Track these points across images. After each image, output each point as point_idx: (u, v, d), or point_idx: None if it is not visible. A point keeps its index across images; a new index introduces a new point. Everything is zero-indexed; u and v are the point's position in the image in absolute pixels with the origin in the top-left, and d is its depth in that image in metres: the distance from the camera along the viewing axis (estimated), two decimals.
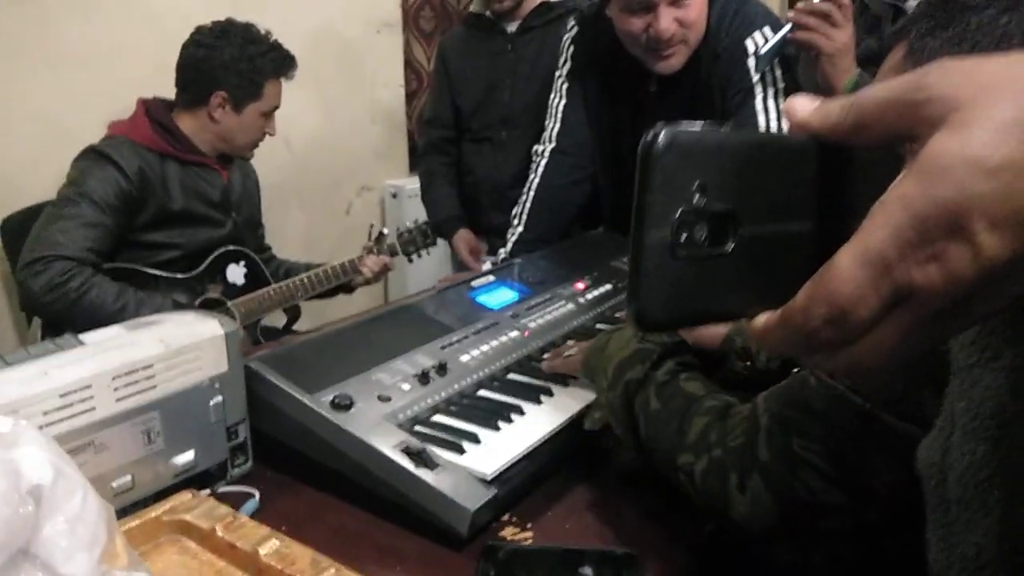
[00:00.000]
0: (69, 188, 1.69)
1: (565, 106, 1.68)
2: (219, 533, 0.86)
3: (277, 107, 1.91)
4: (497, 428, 1.04)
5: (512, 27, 1.97)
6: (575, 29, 1.65)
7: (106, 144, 1.75)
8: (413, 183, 3.08)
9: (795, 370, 0.83)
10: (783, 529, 0.80)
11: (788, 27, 1.43)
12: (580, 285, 1.48)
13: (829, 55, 1.40)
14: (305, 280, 1.91)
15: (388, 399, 1.04)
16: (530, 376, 1.19)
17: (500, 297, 1.39)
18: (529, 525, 0.96)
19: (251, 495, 1.00)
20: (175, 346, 0.94)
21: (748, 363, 1.15)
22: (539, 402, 1.12)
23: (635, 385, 0.94)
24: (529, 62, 1.95)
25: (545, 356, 1.24)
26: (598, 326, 1.39)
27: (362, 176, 3.08)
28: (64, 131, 2.07)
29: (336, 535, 0.93)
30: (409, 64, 3.16)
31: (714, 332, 1.14)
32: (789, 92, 1.48)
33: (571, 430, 1.08)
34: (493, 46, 1.99)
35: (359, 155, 3.06)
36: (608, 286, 1.50)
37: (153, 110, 1.84)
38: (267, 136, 1.94)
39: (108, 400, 0.88)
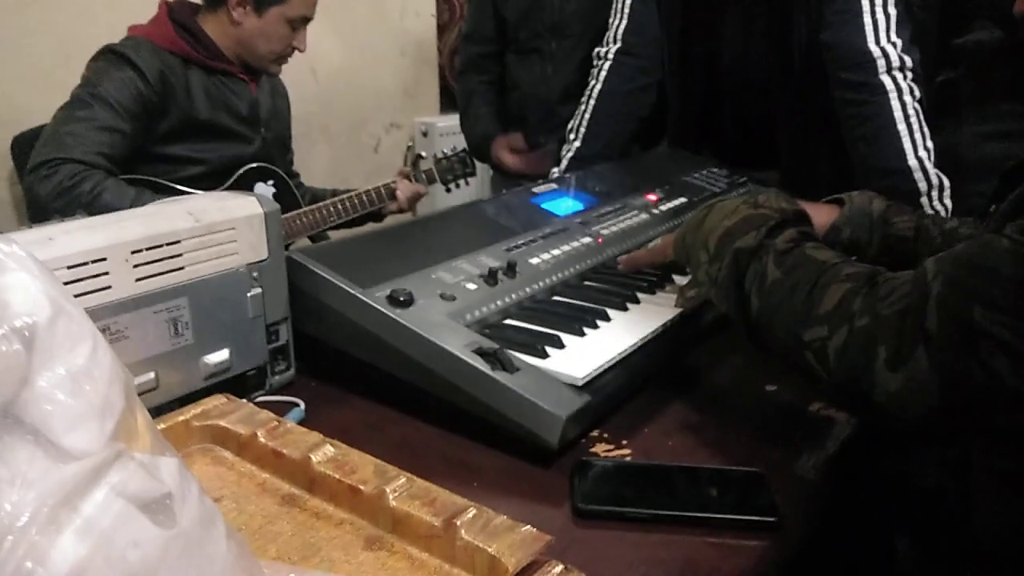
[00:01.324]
0: (82, 89, 1.53)
1: (633, 0, 1.50)
2: (261, 439, 0.71)
3: (308, 18, 1.74)
4: (582, 333, 0.88)
5: None
6: None
7: (125, 44, 1.60)
8: (445, 121, 2.91)
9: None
10: (941, 421, 0.64)
11: None
12: (652, 196, 1.32)
13: None
14: (338, 204, 1.75)
15: (453, 298, 0.88)
16: (608, 283, 1.03)
17: (565, 205, 1.22)
18: (624, 442, 0.80)
19: (296, 404, 0.85)
20: (206, 220, 0.79)
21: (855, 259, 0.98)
22: (625, 308, 0.96)
23: (747, 254, 0.78)
24: None
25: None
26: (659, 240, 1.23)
27: (391, 112, 2.91)
28: (76, 46, 1.91)
29: (399, 449, 0.79)
30: None
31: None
32: None
33: (662, 342, 0.92)
34: None
35: (387, 90, 2.89)
36: (683, 199, 1.34)
37: (177, 11, 1.68)
38: (295, 51, 1.77)
39: (126, 278, 0.73)
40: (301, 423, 0.82)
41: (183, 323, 0.78)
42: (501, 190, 1.98)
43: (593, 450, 0.79)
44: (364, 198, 1.79)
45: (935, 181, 1.25)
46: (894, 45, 1.26)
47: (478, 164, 1.96)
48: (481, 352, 0.79)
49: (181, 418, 0.74)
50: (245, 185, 1.71)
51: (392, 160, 2.85)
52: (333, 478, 0.66)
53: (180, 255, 0.77)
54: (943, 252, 0.67)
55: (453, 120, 2.84)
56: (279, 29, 1.70)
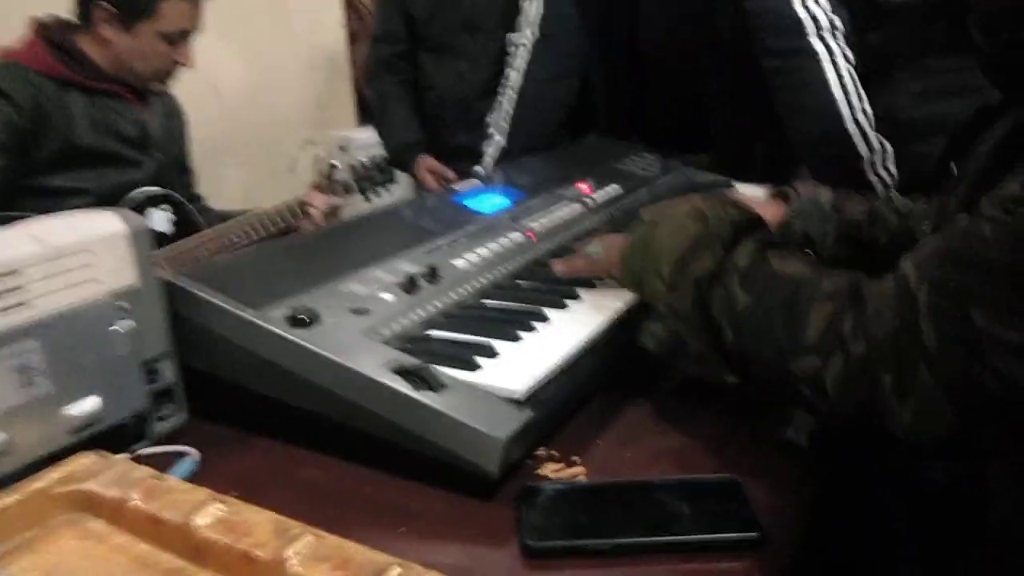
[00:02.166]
0: None
1: None
2: (136, 502, 0.58)
3: (187, 30, 1.60)
4: (516, 339, 0.77)
5: None
6: None
7: None
8: (364, 134, 2.79)
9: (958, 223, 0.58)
10: (961, 437, 0.56)
11: None
12: (584, 187, 1.22)
13: None
14: (246, 226, 1.61)
15: (365, 311, 0.76)
16: (544, 281, 0.93)
17: (491, 201, 1.12)
18: (576, 459, 0.69)
19: (186, 454, 0.72)
20: (54, 243, 0.65)
21: (810, 254, 0.90)
22: (564, 306, 0.85)
23: (707, 281, 0.69)
24: None
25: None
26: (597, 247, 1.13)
27: (305, 129, 2.77)
28: None
29: (310, 496, 0.66)
30: (350, 3, 2.85)
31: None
32: None
33: (611, 339, 0.81)
34: None
35: (299, 105, 2.75)
36: (616, 186, 1.24)
37: (52, 31, 1.52)
38: (179, 67, 1.62)
39: None
40: (193, 476, 0.69)
41: (35, 370, 0.65)
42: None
43: (541, 472, 0.68)
44: (274, 217, 1.65)
45: (876, 146, 1.18)
46: (822, 7, 1.19)
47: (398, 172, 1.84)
48: (401, 371, 0.67)
49: (39, 484, 0.60)
50: (136, 213, 1.55)
51: (310, 179, 2.72)
52: (222, 544, 0.53)
53: (22, 287, 0.63)
54: (919, 251, 0.58)
55: (372, 132, 2.73)
56: (154, 45, 1.56)
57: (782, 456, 0.70)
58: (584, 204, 1.16)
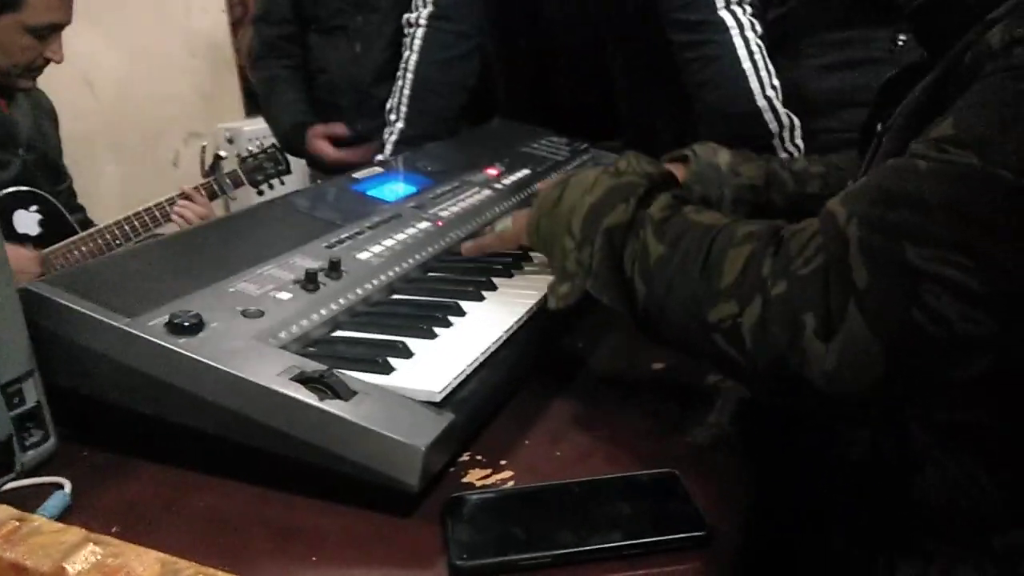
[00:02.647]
0: None
1: None
2: None
3: (58, 24, 1.44)
4: (432, 335, 0.71)
5: None
6: None
7: None
8: (252, 124, 2.64)
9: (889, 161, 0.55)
10: (890, 392, 0.53)
11: None
12: (492, 171, 1.16)
13: None
14: (122, 224, 1.48)
15: (260, 314, 0.68)
16: (458, 272, 0.87)
17: (394, 189, 1.04)
18: (503, 462, 0.64)
19: (58, 486, 0.62)
20: None
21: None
22: (481, 298, 0.79)
23: (621, 232, 0.65)
24: None
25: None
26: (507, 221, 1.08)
27: (188, 121, 2.61)
28: None
29: (207, 526, 0.58)
30: None
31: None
32: None
33: (532, 330, 0.76)
34: None
35: (181, 97, 2.58)
36: (526, 171, 1.19)
37: None
38: (49, 62, 1.47)
39: None
40: (65, 513, 0.60)
41: None
42: None
43: (466, 480, 0.62)
44: (153, 214, 1.52)
45: (785, 121, 1.17)
46: None
47: (294, 161, 1.73)
48: (303, 379, 0.60)
49: None
50: (2, 215, 1.40)
51: (195, 173, 2.55)
52: None
53: None
54: (846, 192, 0.55)
55: (262, 123, 2.58)
56: (18, 39, 1.40)
57: (722, 444, 0.67)
58: (493, 188, 1.10)
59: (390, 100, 1.40)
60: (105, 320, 0.63)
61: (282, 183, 1.70)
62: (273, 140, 1.76)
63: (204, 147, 1.74)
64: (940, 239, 0.49)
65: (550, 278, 0.80)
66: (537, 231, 0.74)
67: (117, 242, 1.47)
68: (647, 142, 1.43)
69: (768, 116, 1.16)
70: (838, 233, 0.53)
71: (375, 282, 0.79)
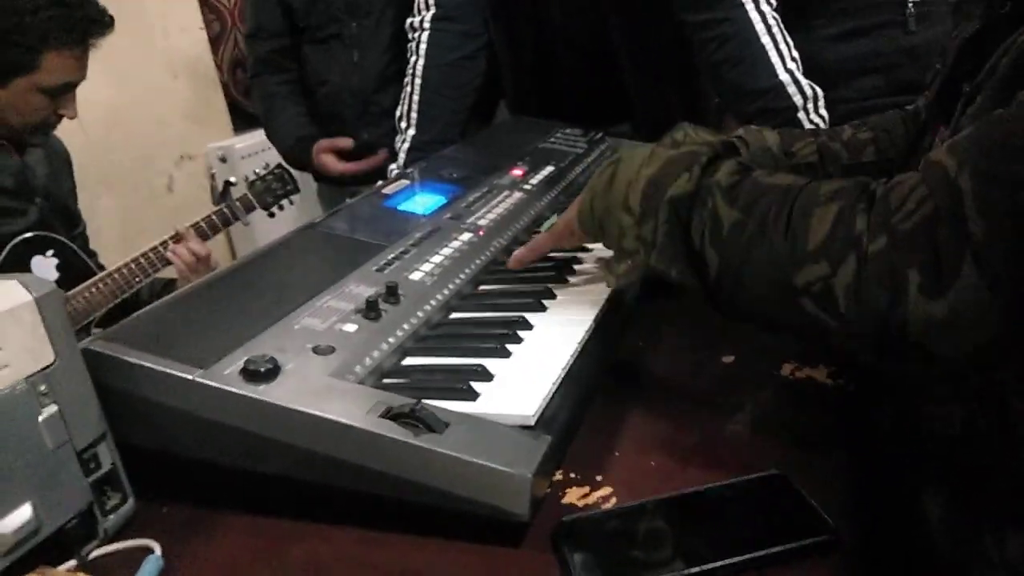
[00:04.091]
0: None
1: None
2: None
3: (72, 84, 1.41)
4: (506, 354, 0.69)
5: None
6: None
7: None
8: (244, 141, 2.61)
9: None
10: (999, 352, 0.51)
11: None
12: (517, 172, 1.14)
13: None
14: (131, 264, 1.45)
15: (331, 350, 0.66)
16: (509, 283, 0.85)
17: (425, 201, 1.02)
18: (599, 478, 0.62)
19: (149, 550, 0.61)
20: None
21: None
22: (542, 308, 0.78)
23: (686, 202, 0.62)
24: None
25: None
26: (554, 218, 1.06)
27: (178, 144, 2.56)
28: None
29: (310, 572, 0.56)
30: (205, 2, 2.64)
31: None
32: None
33: (602, 337, 0.75)
34: None
35: (167, 119, 2.53)
36: (550, 167, 1.17)
37: None
38: (62, 119, 1.44)
39: None
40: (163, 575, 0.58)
41: None
42: (334, 202, 1.74)
43: (566, 501, 0.60)
44: (147, 258, 1.48)
45: (809, 92, 1.16)
46: None
47: (300, 177, 1.71)
48: (394, 415, 0.58)
49: None
50: (18, 262, 1.37)
51: (191, 196, 2.52)
52: None
53: None
54: (950, 141, 0.53)
55: (253, 139, 2.54)
56: (31, 100, 1.36)
57: (809, 437, 0.66)
58: (523, 190, 1.08)
59: (399, 107, 1.38)
60: (178, 374, 0.61)
61: (291, 203, 1.68)
62: (273, 157, 1.74)
63: (213, 173, 1.70)
64: None
65: (607, 278, 0.78)
66: (591, 213, 0.71)
67: (137, 279, 1.44)
68: (659, 124, 1.41)
69: (792, 89, 1.15)
70: (948, 184, 0.49)
71: (433, 303, 0.78)
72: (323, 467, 0.59)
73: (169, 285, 1.52)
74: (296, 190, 1.62)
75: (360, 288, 0.76)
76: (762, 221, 0.57)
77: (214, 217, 1.53)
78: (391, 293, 0.75)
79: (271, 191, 1.58)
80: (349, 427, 0.57)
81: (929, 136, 0.75)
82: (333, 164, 1.59)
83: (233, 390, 0.60)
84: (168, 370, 0.61)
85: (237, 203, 1.54)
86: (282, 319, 0.70)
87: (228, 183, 1.53)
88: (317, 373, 0.63)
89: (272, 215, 1.62)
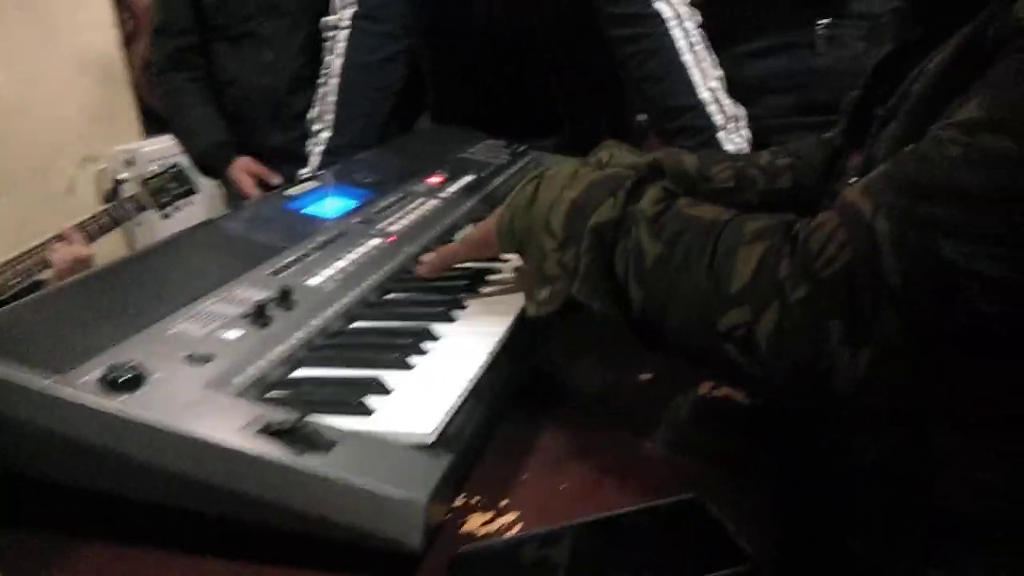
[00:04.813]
0: None
1: None
2: None
3: None
4: (408, 366, 0.63)
5: None
6: None
7: None
8: (152, 144, 2.49)
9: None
10: (924, 395, 0.49)
11: None
12: (435, 179, 1.09)
13: None
14: (7, 269, 1.33)
15: (208, 358, 0.59)
16: (421, 292, 0.79)
17: (334, 205, 0.96)
18: (504, 503, 0.57)
19: None
20: None
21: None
22: (451, 319, 0.72)
23: (610, 229, 0.59)
24: None
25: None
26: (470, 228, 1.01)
27: (82, 145, 2.42)
28: None
29: None
30: (119, 1, 2.52)
31: None
32: None
33: (512, 351, 0.69)
34: None
35: (72, 119, 2.40)
36: (469, 177, 1.12)
37: None
38: None
39: None
40: None
41: None
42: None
43: (466, 529, 0.55)
44: (24, 263, 1.37)
45: (730, 112, 1.14)
46: None
47: (206, 181, 1.61)
48: (272, 431, 0.51)
49: None
50: None
51: (93, 200, 2.38)
52: None
53: None
54: (865, 180, 0.51)
55: (163, 142, 2.42)
56: None
57: (728, 459, 0.62)
58: (439, 198, 1.03)
59: (312, 109, 1.31)
60: (25, 381, 0.53)
61: (189, 203, 1.58)
62: (175, 159, 1.64)
63: (102, 170, 1.60)
64: (978, 232, 0.45)
65: (520, 289, 0.74)
66: (511, 229, 0.68)
67: (14, 283, 1.32)
68: (587, 138, 1.39)
69: (713, 108, 1.13)
70: (864, 228, 0.48)
71: (332, 310, 0.71)
72: (191, 491, 0.51)
73: (35, 288, 1.40)
74: (193, 190, 1.53)
75: (250, 292, 0.69)
76: (686, 257, 0.55)
77: (102, 217, 1.42)
78: (284, 298, 0.69)
79: (166, 191, 1.49)
80: (217, 445, 0.50)
81: (844, 160, 0.74)
82: (249, 187, 1.51)
83: (87, 401, 0.52)
84: (14, 376, 0.53)
85: (128, 203, 1.44)
86: (157, 322, 0.62)
87: (118, 181, 1.43)
88: (188, 384, 0.56)
89: (167, 216, 1.53)
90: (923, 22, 0.61)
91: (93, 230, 1.42)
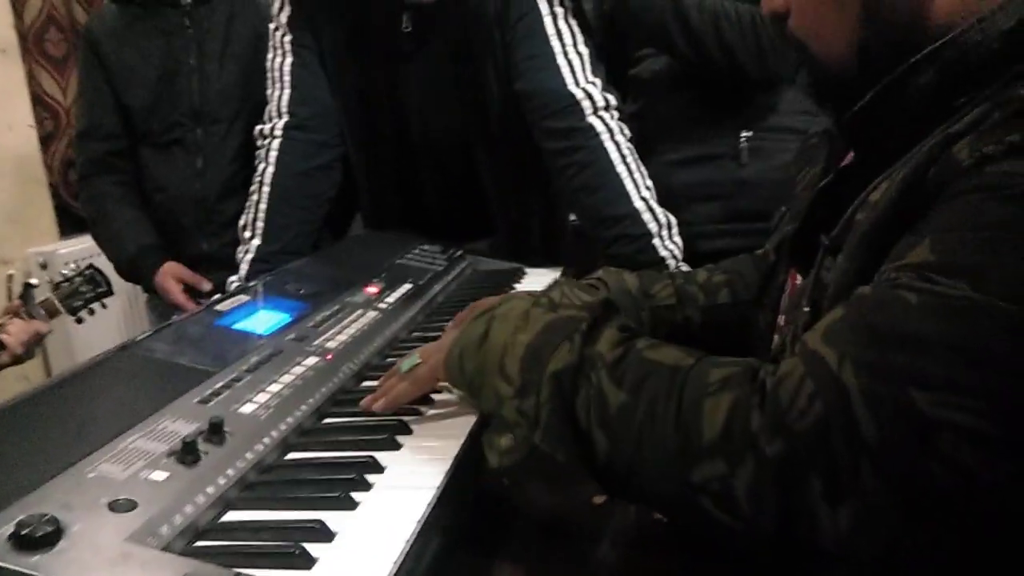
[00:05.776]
0: None
1: (293, 65, 1.24)
2: None
3: None
4: (351, 505, 0.59)
5: None
6: None
7: None
8: (68, 247, 2.39)
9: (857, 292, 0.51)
10: (908, 548, 0.48)
11: None
12: (371, 289, 1.06)
13: None
14: None
15: (131, 505, 0.54)
16: (362, 416, 0.75)
17: (265, 319, 0.92)
18: None
19: None
20: None
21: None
22: (396, 446, 0.69)
23: (570, 376, 0.58)
24: (219, 37, 1.46)
25: (366, 385, 0.82)
26: (415, 334, 0.99)
27: None
28: None
29: None
30: (39, 100, 2.46)
31: None
32: (578, 12, 1.21)
33: (463, 479, 0.66)
34: (163, 23, 1.47)
35: None
36: (407, 285, 1.10)
37: None
38: None
39: None
40: None
41: None
42: (162, 313, 1.58)
43: None
44: None
45: (663, 220, 1.17)
46: (594, 84, 1.17)
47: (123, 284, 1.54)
48: None
49: None
50: None
51: (2, 303, 2.26)
52: None
53: None
54: (824, 326, 0.51)
55: (80, 244, 2.33)
56: None
57: None
58: (377, 309, 1.00)
59: (243, 216, 1.28)
60: None
61: (104, 307, 1.51)
62: (102, 264, 1.57)
63: (10, 275, 1.52)
64: (948, 382, 0.44)
65: (468, 410, 0.72)
66: (461, 369, 0.66)
67: None
68: (520, 242, 1.40)
69: (647, 216, 1.15)
70: (833, 380, 0.47)
71: (266, 441, 0.67)
72: None
73: None
74: (109, 292, 1.46)
75: (177, 424, 0.65)
76: (651, 406, 0.53)
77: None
78: (215, 431, 0.64)
79: (79, 294, 1.41)
80: None
81: (782, 277, 0.75)
82: (176, 294, 1.45)
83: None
84: None
85: (39, 308, 1.36)
86: (74, 465, 0.57)
87: (28, 284, 1.35)
88: (110, 537, 0.51)
89: (80, 320, 1.45)
90: (856, 148, 0.63)
91: None
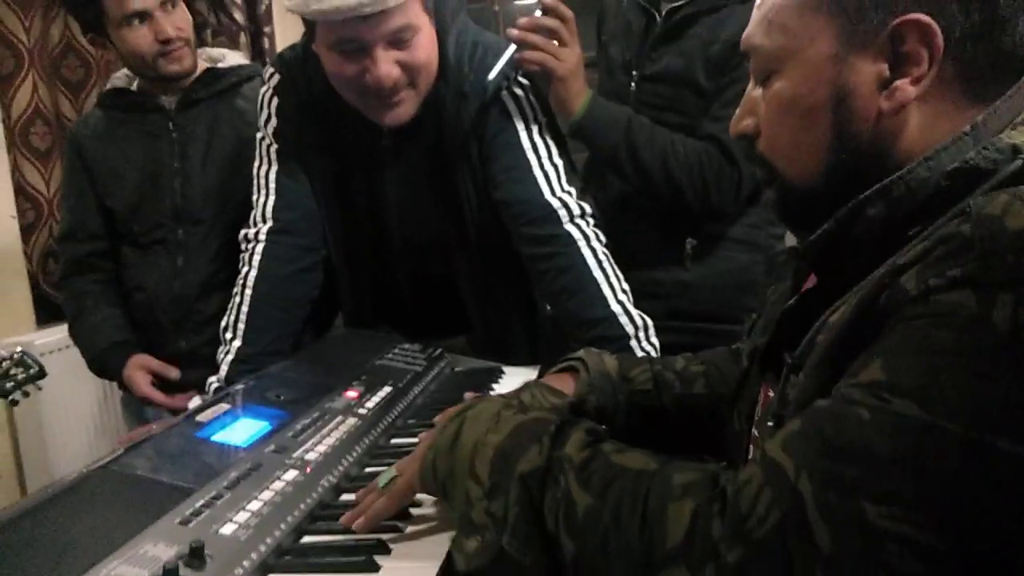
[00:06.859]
0: None
1: (278, 173, 1.28)
2: None
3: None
4: None
5: (171, 102, 1.52)
6: (276, 78, 1.27)
7: None
8: (45, 337, 2.38)
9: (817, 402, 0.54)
10: None
11: (512, 48, 1.22)
12: (351, 393, 1.07)
13: (561, 77, 1.23)
14: None
15: None
16: (342, 533, 0.76)
17: (245, 430, 0.93)
18: None
19: None
20: None
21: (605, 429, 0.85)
22: (375, 568, 0.69)
23: (538, 479, 0.60)
24: (202, 141, 1.49)
25: (345, 498, 0.82)
26: (393, 442, 1.00)
27: None
28: None
29: None
30: (22, 191, 2.49)
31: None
32: (552, 125, 1.27)
33: None
34: (148, 127, 1.50)
35: None
36: (387, 388, 1.11)
37: None
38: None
39: None
40: None
41: None
42: (135, 412, 1.58)
43: None
44: None
45: (639, 322, 1.20)
46: (569, 194, 1.22)
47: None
48: None
49: None
50: None
51: None
52: None
53: None
54: (784, 436, 0.53)
55: (57, 333, 2.32)
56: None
57: None
58: (357, 415, 1.01)
59: (226, 317, 1.29)
60: None
61: (38, 388, 1.52)
62: (76, 354, 1.58)
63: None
64: (897, 496, 0.47)
65: (446, 527, 0.73)
66: (433, 472, 0.68)
67: None
68: (499, 340, 1.42)
69: (624, 319, 1.18)
70: (789, 489, 0.50)
71: (246, 564, 0.67)
72: None
73: None
74: (41, 374, 1.48)
75: (158, 548, 0.65)
76: (616, 510, 0.55)
77: None
78: (195, 556, 0.64)
79: (8, 376, 1.43)
80: None
81: (756, 388, 0.77)
82: (143, 385, 1.45)
83: None
84: None
85: None
86: None
87: None
88: None
89: (15, 403, 1.47)
90: (817, 272, 0.67)
91: None
